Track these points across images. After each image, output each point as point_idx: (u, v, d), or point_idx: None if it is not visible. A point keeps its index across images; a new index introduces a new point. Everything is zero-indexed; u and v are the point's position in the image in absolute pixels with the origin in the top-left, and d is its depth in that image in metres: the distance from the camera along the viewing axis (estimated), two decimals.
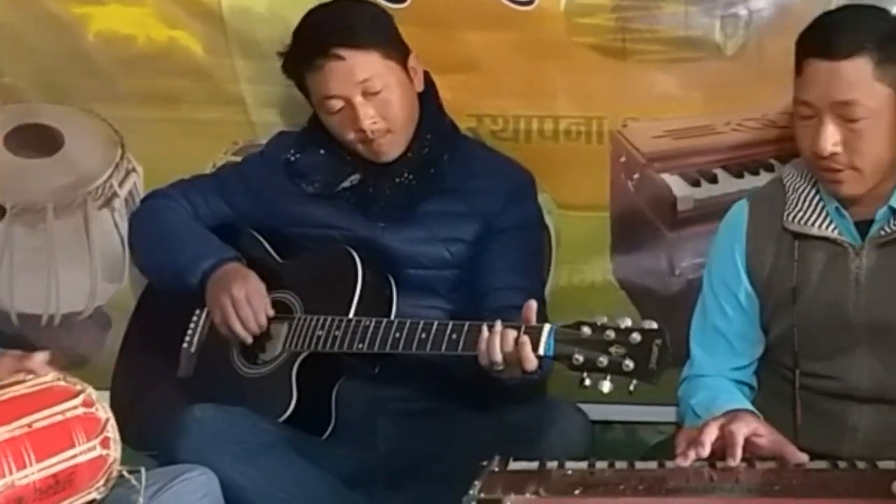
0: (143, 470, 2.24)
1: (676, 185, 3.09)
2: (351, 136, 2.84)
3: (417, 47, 2.89)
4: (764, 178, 2.93)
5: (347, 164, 2.89)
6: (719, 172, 3.06)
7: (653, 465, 2.21)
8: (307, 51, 2.82)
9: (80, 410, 2.16)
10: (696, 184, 3.08)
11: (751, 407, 2.44)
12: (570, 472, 2.17)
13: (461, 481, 2.07)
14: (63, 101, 3.29)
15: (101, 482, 2.17)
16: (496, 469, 2.17)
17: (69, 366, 2.38)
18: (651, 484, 2.10)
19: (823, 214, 2.51)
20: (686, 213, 3.09)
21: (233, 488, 2.51)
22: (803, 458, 2.23)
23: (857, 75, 2.37)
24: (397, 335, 2.62)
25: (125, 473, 2.21)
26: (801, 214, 2.53)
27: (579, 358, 2.36)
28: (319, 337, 2.72)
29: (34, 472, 2.05)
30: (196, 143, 3.22)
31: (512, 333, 2.44)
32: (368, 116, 2.79)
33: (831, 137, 2.40)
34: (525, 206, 2.93)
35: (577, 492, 2.07)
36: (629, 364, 2.32)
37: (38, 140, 3.32)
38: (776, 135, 2.95)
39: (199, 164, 3.17)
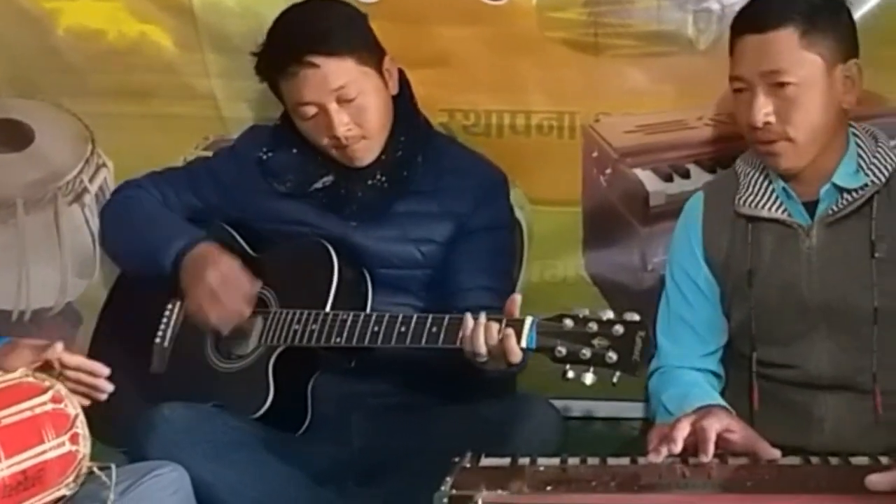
0: (113, 466, 2.24)
1: (649, 180, 3.10)
2: (325, 141, 2.81)
3: (389, 42, 2.87)
4: None
5: (320, 166, 2.87)
6: (692, 167, 3.07)
7: (625, 461, 2.20)
8: (280, 57, 2.79)
9: (49, 406, 2.15)
10: (668, 179, 3.09)
11: (723, 402, 2.45)
12: (542, 468, 2.16)
13: (433, 477, 2.06)
14: (33, 95, 3.27)
15: (71, 478, 2.17)
16: (468, 465, 2.15)
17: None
18: (623, 480, 2.09)
19: (773, 197, 2.54)
20: (659, 209, 3.10)
21: (202, 486, 2.50)
22: (776, 454, 2.23)
23: (783, 44, 2.43)
24: (376, 329, 2.60)
25: (95, 470, 2.21)
26: (751, 198, 2.56)
27: (562, 350, 2.34)
28: (296, 331, 2.70)
29: (3, 469, 2.04)
30: (167, 137, 3.20)
31: (495, 326, 2.42)
32: (343, 123, 2.77)
33: (763, 107, 2.45)
34: (496, 206, 2.91)
35: (549, 488, 2.07)
36: (612, 356, 2.31)
37: (7, 135, 3.29)
38: None
39: (170, 158, 3.15)
